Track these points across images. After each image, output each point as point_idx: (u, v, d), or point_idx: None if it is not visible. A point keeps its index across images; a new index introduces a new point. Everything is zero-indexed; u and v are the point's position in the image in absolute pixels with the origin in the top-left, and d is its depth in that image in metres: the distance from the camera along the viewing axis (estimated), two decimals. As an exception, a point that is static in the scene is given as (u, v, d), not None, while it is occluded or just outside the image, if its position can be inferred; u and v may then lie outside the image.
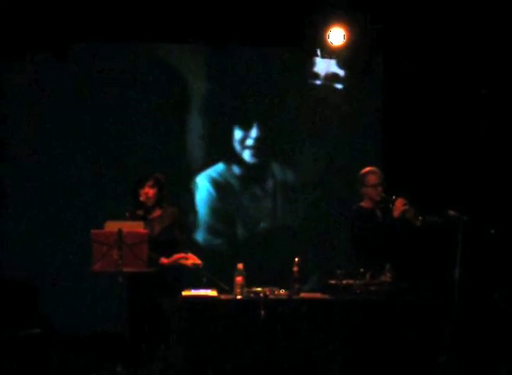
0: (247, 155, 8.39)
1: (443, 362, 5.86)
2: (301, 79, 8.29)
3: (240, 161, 8.38)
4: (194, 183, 8.28)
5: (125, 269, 5.72)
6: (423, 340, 5.85)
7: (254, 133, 8.35)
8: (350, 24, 7.76)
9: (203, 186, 8.34)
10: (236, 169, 8.39)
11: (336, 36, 7.84)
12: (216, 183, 8.36)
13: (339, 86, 8.31)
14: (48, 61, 7.74)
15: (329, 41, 7.86)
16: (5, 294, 7.26)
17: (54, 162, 7.87)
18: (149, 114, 8.08)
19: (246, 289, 5.90)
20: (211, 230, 8.27)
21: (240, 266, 5.92)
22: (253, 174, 8.43)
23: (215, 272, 6.22)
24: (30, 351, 6.59)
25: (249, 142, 8.37)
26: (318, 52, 8.12)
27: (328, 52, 8.06)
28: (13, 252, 7.65)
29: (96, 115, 7.95)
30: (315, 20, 7.74)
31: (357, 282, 5.95)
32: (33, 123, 7.82)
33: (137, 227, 5.84)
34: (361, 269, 5.98)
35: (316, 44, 7.99)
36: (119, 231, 5.70)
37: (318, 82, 8.30)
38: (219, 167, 8.38)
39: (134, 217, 6.14)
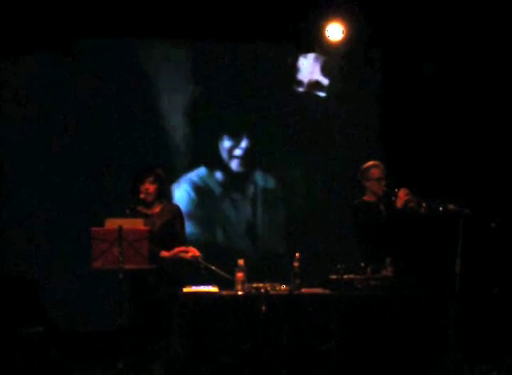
0: (234, 165, 8.41)
1: (444, 356, 5.94)
2: (288, 84, 8.37)
3: (224, 168, 8.40)
4: (175, 185, 8.25)
5: (126, 267, 5.69)
6: (424, 334, 5.92)
7: (243, 143, 8.38)
8: (348, 19, 7.81)
9: (183, 189, 8.32)
10: (218, 175, 8.40)
11: (335, 31, 7.84)
12: (197, 188, 8.35)
13: (322, 94, 8.38)
14: (46, 58, 7.77)
15: (327, 36, 7.86)
16: (7, 291, 7.17)
17: (53, 159, 7.84)
18: (133, 113, 8.12)
19: (247, 285, 5.93)
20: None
21: (241, 262, 5.95)
22: (235, 181, 8.45)
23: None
24: (33, 348, 6.52)
25: (237, 152, 8.38)
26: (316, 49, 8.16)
27: (326, 48, 8.09)
28: (14, 250, 7.59)
29: (92, 113, 7.97)
30: (313, 16, 7.81)
31: (358, 277, 6.00)
32: (33, 121, 7.79)
33: (138, 224, 5.81)
34: (362, 264, 6.04)
35: (314, 40, 8.02)
36: (120, 228, 5.68)
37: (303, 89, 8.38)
38: (201, 171, 8.38)
39: (134, 214, 6.12)
